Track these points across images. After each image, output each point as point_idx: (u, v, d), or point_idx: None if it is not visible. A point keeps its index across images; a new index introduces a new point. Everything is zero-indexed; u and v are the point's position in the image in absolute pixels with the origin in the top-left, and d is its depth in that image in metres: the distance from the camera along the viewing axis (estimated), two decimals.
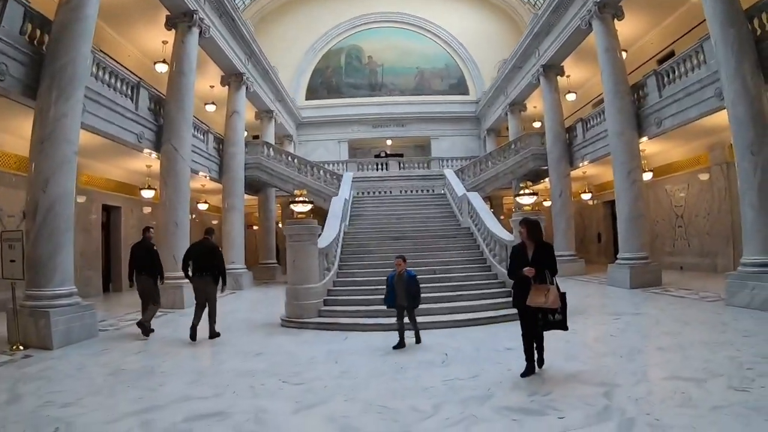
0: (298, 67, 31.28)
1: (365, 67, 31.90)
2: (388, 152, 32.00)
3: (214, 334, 9.00)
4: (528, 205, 11.12)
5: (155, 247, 10.20)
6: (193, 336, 8.72)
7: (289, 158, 21.80)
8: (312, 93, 31.55)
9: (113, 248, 18.04)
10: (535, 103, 24.64)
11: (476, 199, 14.98)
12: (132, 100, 13.56)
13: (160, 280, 9.97)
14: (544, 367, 6.07)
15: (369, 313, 10.09)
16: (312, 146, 30.77)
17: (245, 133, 22.81)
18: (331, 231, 12.79)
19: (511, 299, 10.33)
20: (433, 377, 6.12)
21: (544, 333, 6.02)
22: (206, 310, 9.05)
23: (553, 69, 19.78)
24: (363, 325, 9.59)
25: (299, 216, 10.79)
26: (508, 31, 30.06)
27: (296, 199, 10.83)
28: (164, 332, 9.90)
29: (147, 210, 19.35)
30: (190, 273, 9.10)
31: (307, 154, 29.03)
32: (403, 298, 7.93)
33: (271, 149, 21.35)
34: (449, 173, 20.98)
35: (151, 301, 9.53)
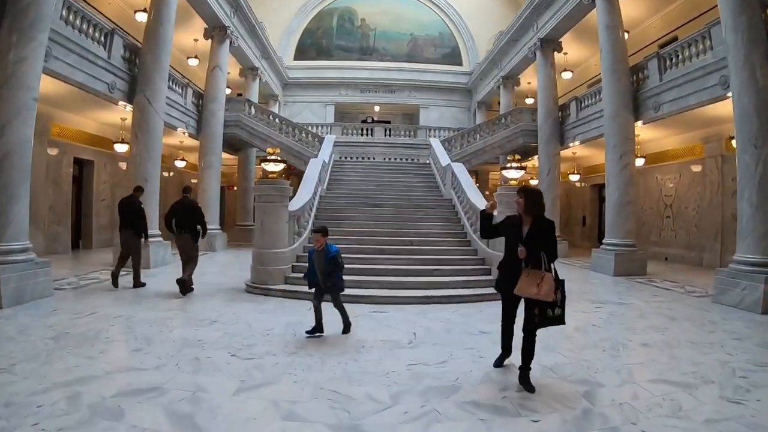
0: (288, 27, 30.05)
1: (357, 30, 30.74)
2: (376, 119, 30.95)
3: (185, 286, 9.23)
4: (515, 179, 10.47)
5: (142, 205, 10.28)
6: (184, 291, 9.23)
7: (271, 117, 20.89)
8: (301, 54, 30.39)
9: (84, 204, 17.29)
10: (529, 79, 23.99)
11: (460, 170, 14.29)
12: (105, 48, 12.64)
13: (144, 238, 10.17)
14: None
15: None
16: (298, 108, 29.77)
17: (229, 91, 21.97)
18: (304, 194, 12.06)
19: (490, 278, 10.02)
20: (396, 361, 5.55)
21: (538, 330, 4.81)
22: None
23: (550, 44, 18.98)
24: None
25: (270, 176, 10.06)
26: (506, 4, 28.89)
27: (268, 157, 10.08)
28: (123, 293, 9.32)
29: (123, 165, 18.32)
30: (174, 229, 9.45)
31: (293, 115, 28.13)
32: (320, 279, 6.86)
33: (252, 107, 20.45)
34: (435, 142, 20.22)
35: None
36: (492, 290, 9.43)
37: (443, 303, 8.88)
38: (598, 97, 16.39)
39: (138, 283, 9.86)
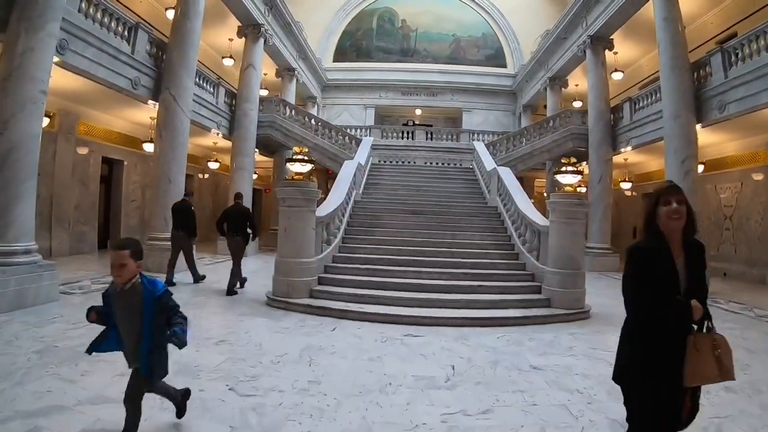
0: (328, 27, 29.17)
1: (398, 31, 29.65)
2: (417, 122, 29.94)
3: (231, 290, 9.56)
4: (570, 185, 9.18)
5: (192, 208, 10.94)
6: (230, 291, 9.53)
7: (306, 118, 19.96)
8: (340, 55, 29.46)
9: (113, 204, 16.83)
10: (577, 81, 22.61)
11: (508, 176, 13.06)
12: (128, 42, 11.93)
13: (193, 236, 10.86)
14: None
15: (367, 298, 8.42)
16: (337, 110, 28.86)
17: (266, 93, 21.23)
18: (335, 198, 11.04)
19: (539, 297, 8.82)
20: (430, 407, 4.41)
21: None
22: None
23: (601, 41, 17.57)
24: (357, 313, 7.87)
25: (296, 177, 9.01)
26: (552, 3, 27.29)
27: (294, 156, 9.03)
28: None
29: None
30: (225, 231, 9.96)
31: (331, 118, 27.29)
32: (129, 345, 3.42)
33: (287, 108, 19.51)
34: (479, 146, 19.00)
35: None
36: (543, 312, 8.35)
37: (487, 326, 7.67)
38: (654, 97, 15.01)
39: (198, 278, 10.72)
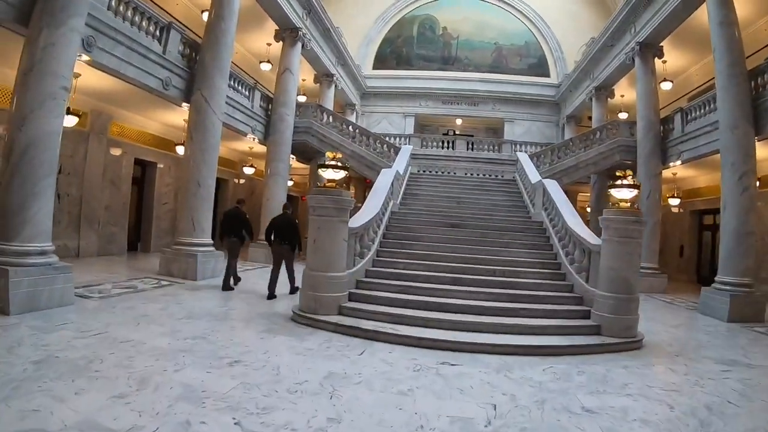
0: (367, 35, 28.76)
1: (439, 39, 28.96)
2: (457, 132, 29.21)
3: (294, 290, 10.16)
4: (626, 200, 8.33)
5: (247, 216, 11.20)
6: (271, 295, 9.91)
7: (344, 125, 19.38)
8: (380, 62, 28.97)
9: (145, 206, 16.65)
10: (623, 92, 21.68)
11: (554, 189, 12.23)
12: (159, 42, 11.63)
13: (251, 239, 11.49)
14: None
15: (400, 318, 7.71)
16: (376, 118, 28.38)
17: (304, 98, 20.81)
18: (370, 208, 10.37)
19: (589, 323, 7.96)
20: None
21: None
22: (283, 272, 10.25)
23: (650, 48, 16.56)
24: (389, 335, 7.16)
25: (328, 184, 8.36)
26: (596, 12, 26.37)
27: (327, 161, 8.39)
28: (152, 308, 8.16)
29: None
30: (272, 240, 10.16)
31: (370, 125, 26.89)
32: None
33: (325, 114, 19.02)
34: (523, 157, 18.12)
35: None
36: (592, 340, 7.51)
37: (531, 354, 6.89)
38: (708, 107, 14.04)
39: (228, 287, 10.56)
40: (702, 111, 14.50)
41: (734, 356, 7.56)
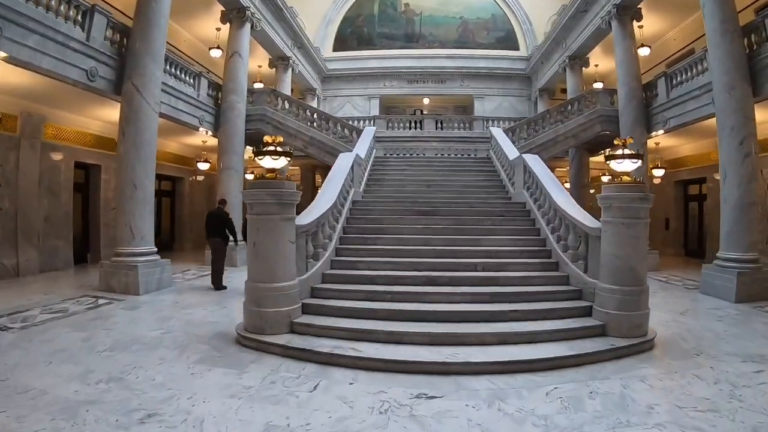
0: (326, 16, 27.05)
1: (401, 16, 27.34)
2: (425, 112, 27.76)
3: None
4: (629, 174, 6.92)
5: (230, 216, 11.27)
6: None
7: (300, 110, 17.68)
8: (340, 44, 27.29)
9: (92, 213, 14.91)
10: (597, 61, 20.50)
11: (537, 165, 10.71)
12: (82, 28, 10.00)
13: (234, 242, 11.29)
14: None
15: (366, 333, 6.24)
16: (338, 102, 26.72)
17: (261, 86, 19.11)
18: (324, 200, 8.74)
19: (593, 323, 6.62)
20: None
21: None
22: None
23: (627, 11, 15.28)
24: (351, 358, 5.70)
25: (268, 175, 6.80)
26: None
27: (263, 147, 6.82)
28: (74, 339, 6.70)
29: None
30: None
31: (333, 110, 25.19)
32: None
33: (279, 98, 17.32)
34: (497, 132, 16.58)
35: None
36: (598, 345, 6.12)
37: (528, 371, 5.48)
38: (696, 70, 12.85)
39: (219, 286, 10.58)
40: (689, 74, 13.31)
41: (759, 349, 6.39)
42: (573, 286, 7.61)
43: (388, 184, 13.87)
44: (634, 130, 14.83)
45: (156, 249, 10.84)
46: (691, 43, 17.43)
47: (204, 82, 15.23)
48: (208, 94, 15.46)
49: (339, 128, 17.67)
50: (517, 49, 26.75)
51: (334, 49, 27.12)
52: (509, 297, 7.17)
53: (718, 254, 10.65)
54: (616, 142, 7.10)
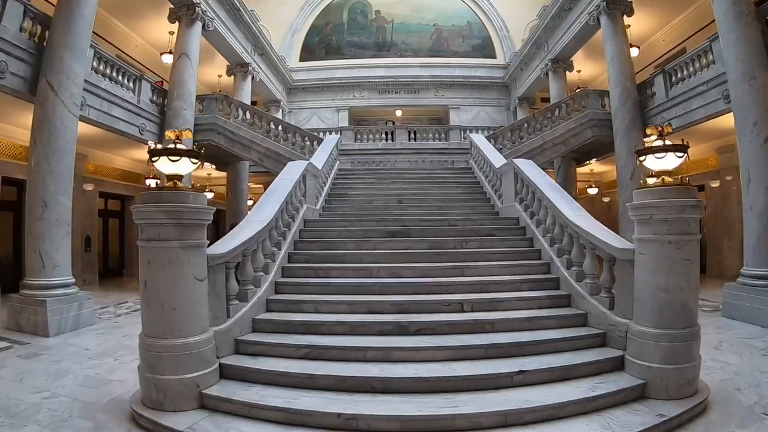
0: (292, 24, 25.06)
1: (372, 24, 25.48)
2: (398, 125, 25.76)
3: None
4: (670, 172, 4.95)
5: None
6: None
7: (256, 118, 15.58)
8: (307, 53, 25.31)
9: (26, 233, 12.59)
10: (580, 66, 18.89)
11: (533, 171, 8.48)
12: None
13: None
14: None
15: (307, 417, 4.16)
16: (305, 115, 24.60)
17: (222, 92, 17.09)
18: (256, 221, 6.40)
19: (629, 379, 4.13)
20: None
21: None
22: None
23: (618, 4, 13.69)
24: None
25: (167, 184, 4.73)
26: None
27: (155, 146, 4.74)
28: None
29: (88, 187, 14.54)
30: None
31: (299, 124, 22.89)
32: None
33: (232, 106, 15.19)
34: (479, 138, 14.45)
35: None
36: (644, 417, 3.97)
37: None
38: (700, 63, 11.27)
39: None
40: (692, 69, 11.66)
41: None
42: (593, 327, 5.57)
43: (353, 199, 11.70)
44: (631, 134, 13.17)
45: (73, 280, 8.72)
46: (682, 42, 16.17)
47: (146, 87, 13.15)
48: (151, 100, 13.38)
49: (299, 138, 15.59)
50: (494, 57, 24.99)
51: (301, 59, 25.13)
52: (511, 350, 5.06)
53: (742, 271, 8.93)
54: (649, 132, 5.13)
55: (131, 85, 12.44)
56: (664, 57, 16.74)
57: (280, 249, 6.94)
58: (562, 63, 18.46)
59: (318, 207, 9.97)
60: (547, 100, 19.40)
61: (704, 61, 11.03)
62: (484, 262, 7.22)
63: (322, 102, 24.83)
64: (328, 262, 7.23)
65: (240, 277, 5.64)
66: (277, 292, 6.39)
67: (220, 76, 19.63)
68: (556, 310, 6.02)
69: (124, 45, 16.51)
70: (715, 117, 10.80)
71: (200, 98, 14.74)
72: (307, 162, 9.04)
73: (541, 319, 5.72)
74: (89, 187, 14.60)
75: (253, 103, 21.87)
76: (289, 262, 7.19)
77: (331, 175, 12.46)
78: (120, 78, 11.93)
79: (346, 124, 24.16)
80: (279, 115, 22.49)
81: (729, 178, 13.92)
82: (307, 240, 8.06)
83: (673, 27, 16.18)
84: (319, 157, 11.42)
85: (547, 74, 18.99)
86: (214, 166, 17.58)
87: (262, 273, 6.12)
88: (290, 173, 8.27)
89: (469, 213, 10.12)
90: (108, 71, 11.36)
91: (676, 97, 12.10)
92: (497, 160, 11.08)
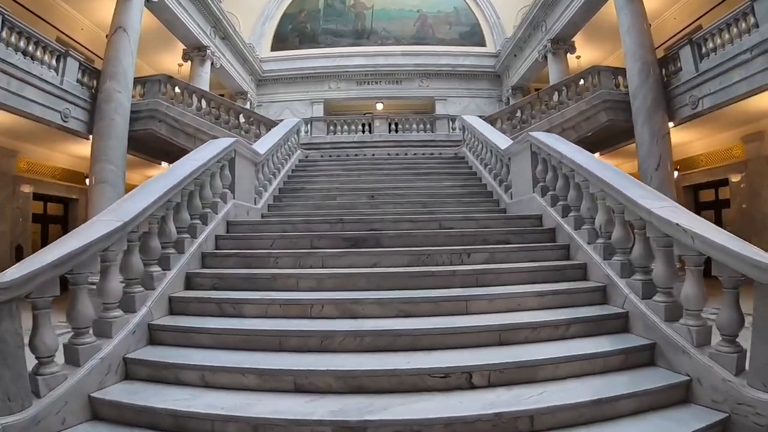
0: (264, 11, 22.44)
1: (350, 10, 22.92)
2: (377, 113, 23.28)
3: None
4: None
5: None
6: None
7: (203, 102, 12.75)
8: (280, 43, 22.65)
9: None
10: (579, 51, 16.62)
11: (566, 146, 5.42)
12: None
13: None
14: None
15: None
16: (276, 109, 21.74)
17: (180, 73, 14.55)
18: (99, 224, 3.47)
19: None
20: None
21: None
22: None
23: None
24: None
25: None
26: None
27: None
28: None
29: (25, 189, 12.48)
30: None
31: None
32: None
33: (177, 88, 12.43)
34: (474, 119, 11.46)
35: None
36: None
37: None
38: (739, 28, 9.13)
39: None
40: (727, 36, 9.51)
41: None
42: (708, 404, 2.96)
43: (309, 195, 8.73)
44: (654, 117, 10.85)
45: None
46: (698, 19, 13.99)
47: (72, 65, 10.63)
48: (79, 81, 10.85)
49: (254, 126, 12.86)
50: (484, 45, 22.50)
51: (273, 49, 22.53)
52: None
53: None
54: None
55: (53, 62, 10.10)
56: (675, 37, 14.51)
57: (168, 267, 4.22)
58: (562, 44, 16.13)
59: (260, 206, 7.11)
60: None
61: (743, 25, 8.91)
62: (501, 287, 4.41)
63: (295, 94, 22.23)
64: (245, 289, 4.40)
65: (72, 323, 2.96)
66: (151, 343, 3.67)
67: (180, 65, 17.03)
68: (636, 376, 3.31)
69: (69, 28, 14.23)
70: (764, 91, 8.62)
71: (141, 81, 12.24)
72: (234, 140, 6.14)
73: (614, 400, 3.03)
74: (27, 189, 12.38)
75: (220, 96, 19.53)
76: (186, 288, 4.44)
77: (287, 166, 9.66)
78: (38, 53, 9.54)
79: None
80: None
81: (758, 170, 11.83)
82: (223, 253, 5.22)
83: (686, 3, 14.12)
84: (266, 141, 8.48)
85: (546, 57, 16.68)
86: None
87: (116, 312, 3.41)
88: (204, 152, 5.42)
89: (467, 211, 7.26)
90: (21, 43, 9.07)
91: (710, 71, 9.91)
92: (502, 140, 8.28)
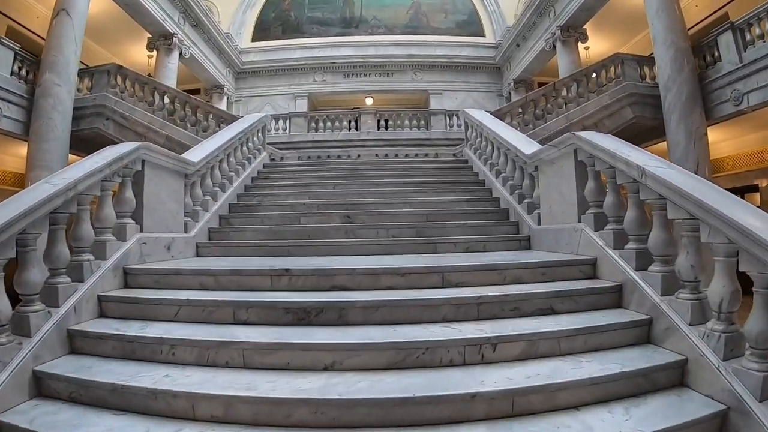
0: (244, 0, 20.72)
1: None
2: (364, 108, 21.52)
3: None
4: None
5: None
6: None
7: (156, 95, 10.83)
8: (262, 32, 20.86)
9: None
10: (590, 39, 14.99)
11: (641, 155, 3.44)
12: None
13: None
14: None
15: None
16: (255, 104, 20.02)
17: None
18: None
19: None
20: None
21: None
22: None
23: None
24: None
25: None
26: None
27: None
28: None
29: None
30: None
31: (249, 113, 18.44)
32: None
33: (126, 80, 10.59)
34: (481, 114, 9.30)
35: None
36: None
37: None
38: None
39: None
40: None
41: None
42: None
43: (267, 215, 6.54)
44: (690, 115, 9.18)
45: None
46: (722, 7, 12.80)
47: (6, 55, 9.06)
48: (15, 74, 9.22)
49: (212, 122, 10.98)
50: (483, 35, 20.72)
51: (255, 39, 20.72)
52: None
53: None
54: None
55: None
56: (698, 26, 13.15)
57: None
58: (573, 31, 14.43)
59: (193, 233, 5.10)
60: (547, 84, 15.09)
61: None
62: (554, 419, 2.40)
63: (277, 88, 20.40)
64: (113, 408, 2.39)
65: None
66: None
67: (150, 56, 15.23)
68: None
69: (22, 16, 12.94)
70: None
71: (89, 72, 10.50)
72: (137, 146, 4.10)
73: None
74: None
75: (195, 91, 17.71)
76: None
77: (245, 173, 7.68)
78: None
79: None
80: (222, 105, 18.20)
81: None
82: (96, 334, 3.09)
83: None
84: (207, 145, 6.32)
85: (554, 47, 14.95)
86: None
87: None
88: (81, 167, 3.42)
89: (482, 247, 5.12)
90: None
91: (757, 61, 8.53)
92: (524, 143, 6.10)
